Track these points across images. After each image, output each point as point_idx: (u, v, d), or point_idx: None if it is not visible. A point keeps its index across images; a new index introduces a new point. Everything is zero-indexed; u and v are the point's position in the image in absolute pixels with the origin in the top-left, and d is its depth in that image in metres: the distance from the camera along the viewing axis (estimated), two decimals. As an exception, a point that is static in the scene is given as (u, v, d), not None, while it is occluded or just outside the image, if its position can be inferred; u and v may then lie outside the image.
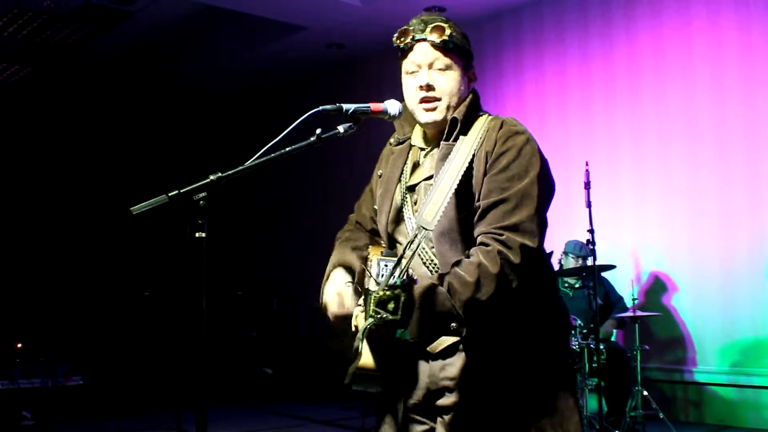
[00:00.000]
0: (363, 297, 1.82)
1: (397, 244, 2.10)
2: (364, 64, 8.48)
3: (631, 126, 6.42)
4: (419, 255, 2.00)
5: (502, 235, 1.85)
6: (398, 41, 2.05)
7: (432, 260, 1.99)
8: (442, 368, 1.94)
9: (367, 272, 2.09)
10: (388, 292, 1.67)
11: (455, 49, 2.01)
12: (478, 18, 7.43)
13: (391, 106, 2.03)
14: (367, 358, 1.81)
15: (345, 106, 1.95)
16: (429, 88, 2.00)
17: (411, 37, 2.02)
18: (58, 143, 9.92)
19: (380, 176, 2.20)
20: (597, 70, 6.68)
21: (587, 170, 5.01)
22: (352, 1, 7.08)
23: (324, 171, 9.31)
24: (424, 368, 1.97)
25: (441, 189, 1.89)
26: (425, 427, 2.00)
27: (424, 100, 2.01)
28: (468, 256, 1.88)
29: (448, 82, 2.01)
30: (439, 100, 2.01)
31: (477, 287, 1.81)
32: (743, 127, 5.79)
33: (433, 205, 1.88)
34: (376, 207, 2.20)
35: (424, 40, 2.00)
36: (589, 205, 4.96)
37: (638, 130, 6.37)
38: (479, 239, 1.90)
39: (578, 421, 1.95)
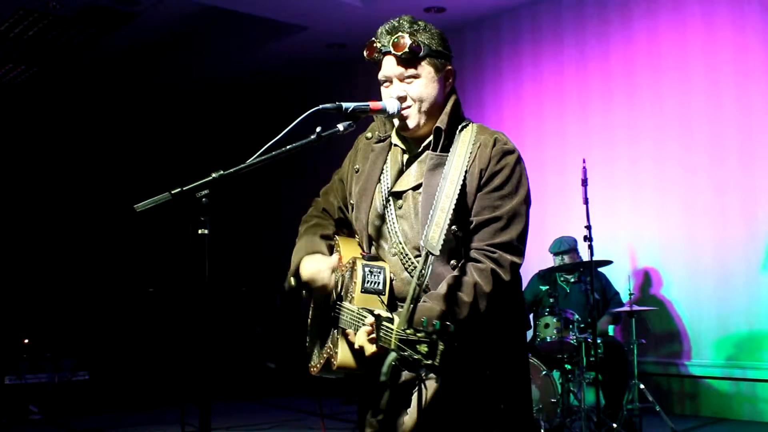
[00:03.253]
0: (374, 321, 1.83)
1: (373, 244, 2.13)
2: (365, 64, 8.52)
3: (627, 124, 6.49)
4: (401, 260, 2.05)
5: (494, 252, 1.96)
6: (368, 57, 2.10)
7: (414, 265, 2.03)
8: None
9: (343, 275, 2.11)
10: (420, 335, 1.65)
11: (422, 56, 2.03)
12: (477, 18, 7.49)
13: (390, 104, 2.06)
14: (345, 358, 1.88)
15: (344, 105, 1.99)
16: (401, 99, 2.05)
17: (377, 51, 2.07)
18: (64, 142, 9.99)
19: (357, 171, 2.21)
20: (594, 70, 6.75)
21: (584, 167, 5.05)
22: (353, 1, 7.14)
23: (326, 167, 9.35)
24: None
25: (441, 209, 1.94)
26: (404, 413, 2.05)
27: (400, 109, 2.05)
28: (453, 268, 1.97)
29: (416, 89, 2.04)
30: (410, 107, 2.05)
31: (474, 307, 1.91)
32: (737, 125, 5.86)
33: (436, 227, 1.92)
34: (352, 202, 2.20)
35: (389, 53, 2.04)
36: (586, 201, 5.00)
37: (634, 128, 6.44)
38: (471, 254, 1.98)
39: (529, 404, 2.12)
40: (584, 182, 5.02)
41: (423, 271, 1.89)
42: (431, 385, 1.99)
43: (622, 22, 6.58)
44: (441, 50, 2.07)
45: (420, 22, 2.07)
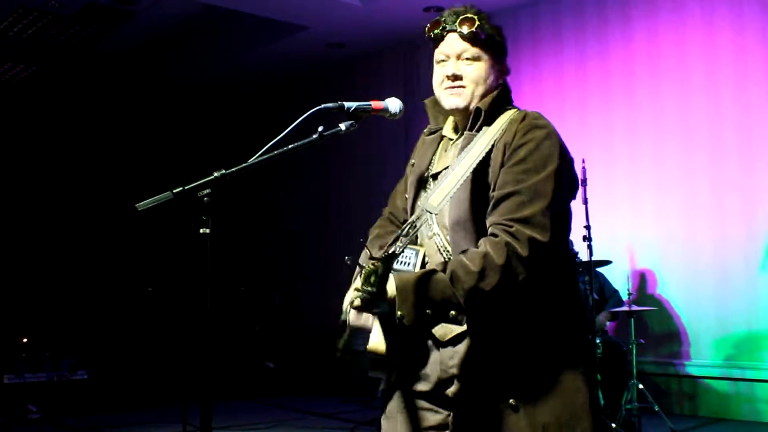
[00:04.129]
0: (358, 272, 1.85)
1: (420, 234, 2.09)
2: (365, 63, 8.55)
3: (626, 124, 6.50)
4: (435, 242, 2.01)
5: (512, 226, 1.84)
6: (429, 32, 2.08)
7: (447, 248, 1.99)
8: (452, 356, 1.93)
9: None
10: (371, 266, 1.70)
11: (485, 41, 2.03)
12: (477, 17, 7.50)
13: (392, 104, 2.05)
14: (377, 344, 1.82)
15: (346, 104, 1.97)
16: (455, 77, 2.03)
17: (441, 28, 2.05)
18: (63, 141, 9.99)
19: (413, 165, 2.20)
20: (593, 70, 6.76)
21: (584, 167, 5.06)
22: (353, 0, 7.15)
23: (326, 168, 9.38)
24: (435, 356, 1.97)
25: (453, 176, 1.91)
26: (438, 416, 1.98)
27: (449, 87, 2.04)
28: (478, 246, 1.88)
29: (475, 71, 2.04)
30: (464, 87, 2.03)
31: (481, 277, 1.80)
32: (737, 125, 5.87)
33: (442, 191, 1.90)
34: (407, 195, 2.19)
35: (454, 31, 2.03)
36: (585, 201, 5.01)
37: (634, 128, 6.45)
38: (489, 230, 1.89)
39: (590, 424, 1.90)
40: (583, 182, 5.03)
41: (411, 229, 1.87)
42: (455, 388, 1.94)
43: (621, 23, 6.59)
44: (500, 41, 2.08)
45: (482, 12, 2.08)
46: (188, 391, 5.12)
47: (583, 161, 5.13)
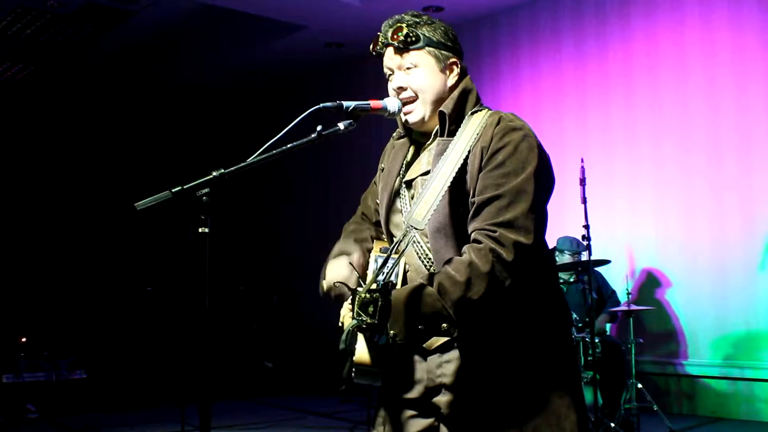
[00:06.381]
0: (351, 296, 1.81)
1: (393, 239, 2.08)
2: (363, 63, 8.54)
3: (625, 123, 6.50)
4: (415, 250, 2.00)
5: (495, 232, 1.82)
6: (373, 50, 2.08)
7: (428, 255, 1.98)
8: (439, 365, 1.93)
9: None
10: (368, 295, 1.68)
11: (420, 46, 1.99)
12: (475, 18, 7.51)
13: (391, 103, 2.03)
14: (362, 354, 1.82)
15: (345, 104, 1.95)
16: (400, 89, 2.01)
17: (379, 44, 2.04)
18: (62, 141, 10.00)
19: (382, 170, 2.18)
20: (592, 69, 6.76)
21: (582, 167, 5.06)
22: (351, 0, 7.15)
23: (324, 167, 9.39)
24: (422, 365, 1.97)
25: (434, 188, 1.88)
26: (425, 422, 1.99)
27: (403, 103, 2.03)
28: (462, 254, 1.87)
29: (416, 79, 2.00)
30: (414, 100, 2.01)
31: (467, 287, 1.78)
32: (735, 124, 5.87)
33: (424, 204, 1.86)
34: (378, 200, 2.18)
35: (389, 45, 2.02)
36: (584, 201, 5.01)
37: (632, 128, 6.45)
38: (472, 236, 1.88)
39: (575, 420, 1.90)
40: (582, 181, 5.02)
41: (399, 246, 1.86)
42: (446, 398, 1.94)
43: (620, 22, 6.59)
44: (442, 41, 2.03)
45: (424, 16, 2.04)
46: (187, 390, 5.12)
47: (582, 161, 5.13)
